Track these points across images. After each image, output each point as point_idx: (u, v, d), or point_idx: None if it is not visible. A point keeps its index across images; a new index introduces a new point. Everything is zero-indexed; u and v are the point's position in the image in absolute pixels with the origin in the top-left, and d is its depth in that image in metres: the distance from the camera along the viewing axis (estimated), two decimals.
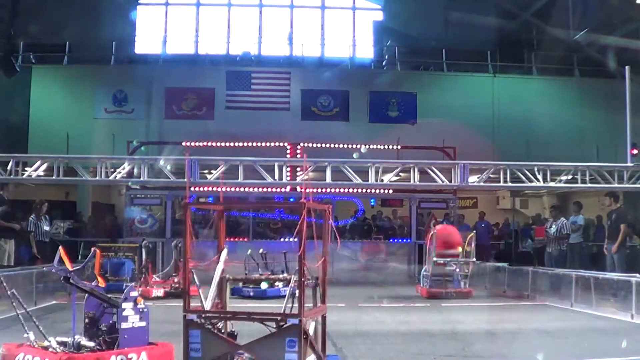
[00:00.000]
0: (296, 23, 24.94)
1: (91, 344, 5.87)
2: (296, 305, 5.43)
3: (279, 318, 5.33)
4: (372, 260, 18.88)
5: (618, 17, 21.48)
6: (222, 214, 6.36)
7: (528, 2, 23.43)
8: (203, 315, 5.56)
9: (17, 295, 6.18)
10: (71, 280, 6.00)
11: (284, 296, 6.02)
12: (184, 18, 24.72)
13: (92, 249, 6.55)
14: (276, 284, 12.02)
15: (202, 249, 17.77)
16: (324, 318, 5.93)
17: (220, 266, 6.03)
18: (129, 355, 5.78)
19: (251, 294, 12.66)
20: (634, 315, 10.44)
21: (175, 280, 13.36)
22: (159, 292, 12.67)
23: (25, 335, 5.90)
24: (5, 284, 6.46)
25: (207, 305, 5.81)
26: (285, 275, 11.54)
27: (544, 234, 16.29)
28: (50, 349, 5.77)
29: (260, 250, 13.67)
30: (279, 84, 22.10)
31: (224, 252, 6.10)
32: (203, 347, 5.39)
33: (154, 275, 13.51)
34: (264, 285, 11.80)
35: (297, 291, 5.41)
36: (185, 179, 13.96)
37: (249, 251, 13.15)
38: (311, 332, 5.67)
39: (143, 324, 6.06)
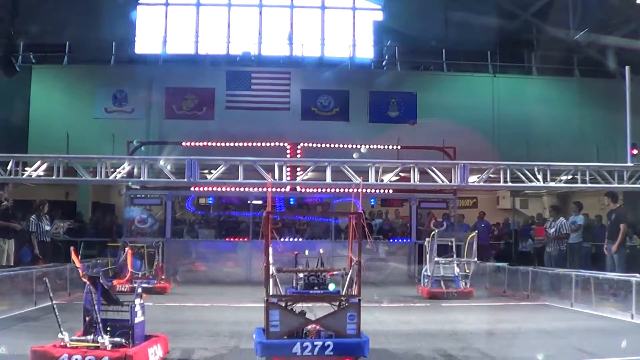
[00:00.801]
0: (296, 23, 24.97)
1: (119, 340, 6.26)
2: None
3: (342, 298, 6.78)
4: (372, 260, 18.86)
5: (618, 17, 21.52)
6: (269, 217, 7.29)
7: (528, 2, 23.47)
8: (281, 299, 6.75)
9: (53, 300, 6.49)
10: (101, 280, 6.34)
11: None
12: (184, 18, 24.74)
13: (126, 248, 6.97)
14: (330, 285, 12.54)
15: (203, 247, 18.13)
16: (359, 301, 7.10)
17: (271, 261, 6.94)
18: (155, 347, 6.58)
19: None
20: (634, 315, 10.43)
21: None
22: (123, 287, 12.89)
23: (60, 336, 6.18)
24: (50, 291, 6.69)
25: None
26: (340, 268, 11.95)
27: (544, 234, 16.29)
28: (101, 347, 6.10)
29: (321, 251, 13.74)
30: (279, 84, 22.10)
31: (271, 250, 7.06)
32: (281, 323, 6.52)
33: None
34: (331, 287, 12.08)
35: (355, 278, 6.88)
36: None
37: (297, 252, 13.26)
38: None
39: (142, 318, 6.60)
